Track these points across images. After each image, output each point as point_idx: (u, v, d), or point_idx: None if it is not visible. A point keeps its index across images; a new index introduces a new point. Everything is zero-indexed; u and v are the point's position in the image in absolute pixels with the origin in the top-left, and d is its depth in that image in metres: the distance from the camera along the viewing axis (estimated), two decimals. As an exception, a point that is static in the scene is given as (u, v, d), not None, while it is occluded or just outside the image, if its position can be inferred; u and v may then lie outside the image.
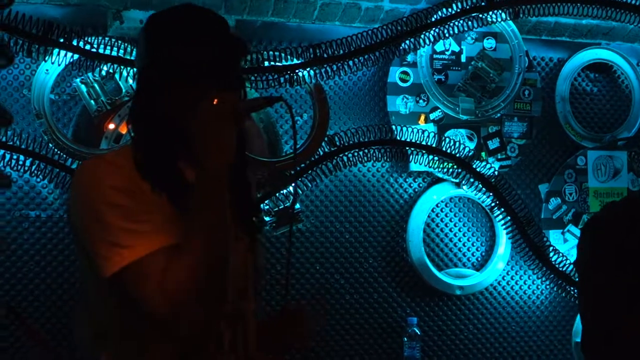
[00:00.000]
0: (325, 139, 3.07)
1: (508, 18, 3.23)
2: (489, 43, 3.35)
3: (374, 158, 3.14)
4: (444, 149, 3.19)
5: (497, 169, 3.31)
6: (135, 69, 2.82)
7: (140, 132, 1.57)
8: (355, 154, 3.09)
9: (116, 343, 1.52)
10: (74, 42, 2.75)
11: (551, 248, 3.32)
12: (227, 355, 1.59)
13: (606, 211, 1.74)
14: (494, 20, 3.22)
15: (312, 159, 3.05)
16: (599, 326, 1.62)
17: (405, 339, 3.09)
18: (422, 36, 3.13)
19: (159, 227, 1.45)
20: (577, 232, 3.40)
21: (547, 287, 3.41)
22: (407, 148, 3.16)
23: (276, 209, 3.00)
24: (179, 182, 1.52)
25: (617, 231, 1.62)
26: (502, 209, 3.25)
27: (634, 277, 1.57)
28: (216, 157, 1.45)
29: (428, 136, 3.17)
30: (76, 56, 2.77)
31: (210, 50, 1.53)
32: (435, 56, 3.28)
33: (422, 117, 3.26)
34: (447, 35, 3.18)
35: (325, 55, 2.99)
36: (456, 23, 3.16)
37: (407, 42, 3.13)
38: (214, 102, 1.46)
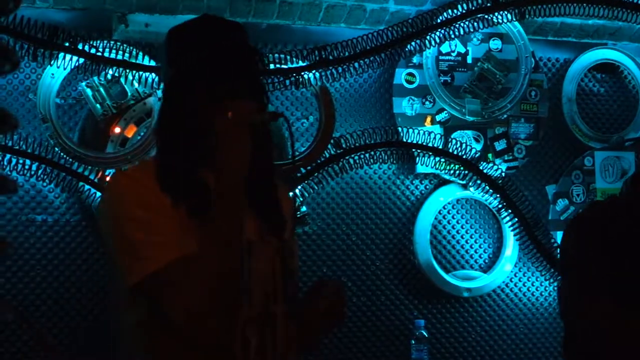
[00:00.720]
0: (331, 141, 3.07)
1: (514, 19, 3.22)
2: (495, 44, 3.34)
3: (381, 160, 3.13)
4: (450, 150, 3.18)
5: (504, 170, 3.29)
6: (145, 73, 2.83)
7: (166, 142, 1.62)
8: (362, 156, 3.09)
9: (141, 352, 1.55)
10: (80, 46, 2.76)
11: (559, 249, 3.30)
12: None
13: (589, 211, 1.73)
14: (500, 21, 3.21)
15: (318, 161, 3.04)
16: (583, 326, 1.61)
17: (413, 341, 3.08)
18: (428, 37, 3.12)
19: (178, 238, 1.50)
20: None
21: (555, 288, 3.39)
22: (413, 150, 3.15)
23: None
24: (199, 194, 1.55)
25: (600, 230, 1.61)
26: (510, 211, 3.24)
27: (619, 275, 1.56)
28: (230, 169, 1.50)
29: (434, 138, 3.17)
30: (82, 60, 2.78)
31: (233, 61, 1.57)
32: (441, 57, 3.27)
33: (429, 119, 3.25)
34: (452, 36, 3.17)
35: (330, 58, 2.99)
36: (462, 24, 3.15)
37: (413, 43, 3.12)
38: (229, 114, 1.50)
